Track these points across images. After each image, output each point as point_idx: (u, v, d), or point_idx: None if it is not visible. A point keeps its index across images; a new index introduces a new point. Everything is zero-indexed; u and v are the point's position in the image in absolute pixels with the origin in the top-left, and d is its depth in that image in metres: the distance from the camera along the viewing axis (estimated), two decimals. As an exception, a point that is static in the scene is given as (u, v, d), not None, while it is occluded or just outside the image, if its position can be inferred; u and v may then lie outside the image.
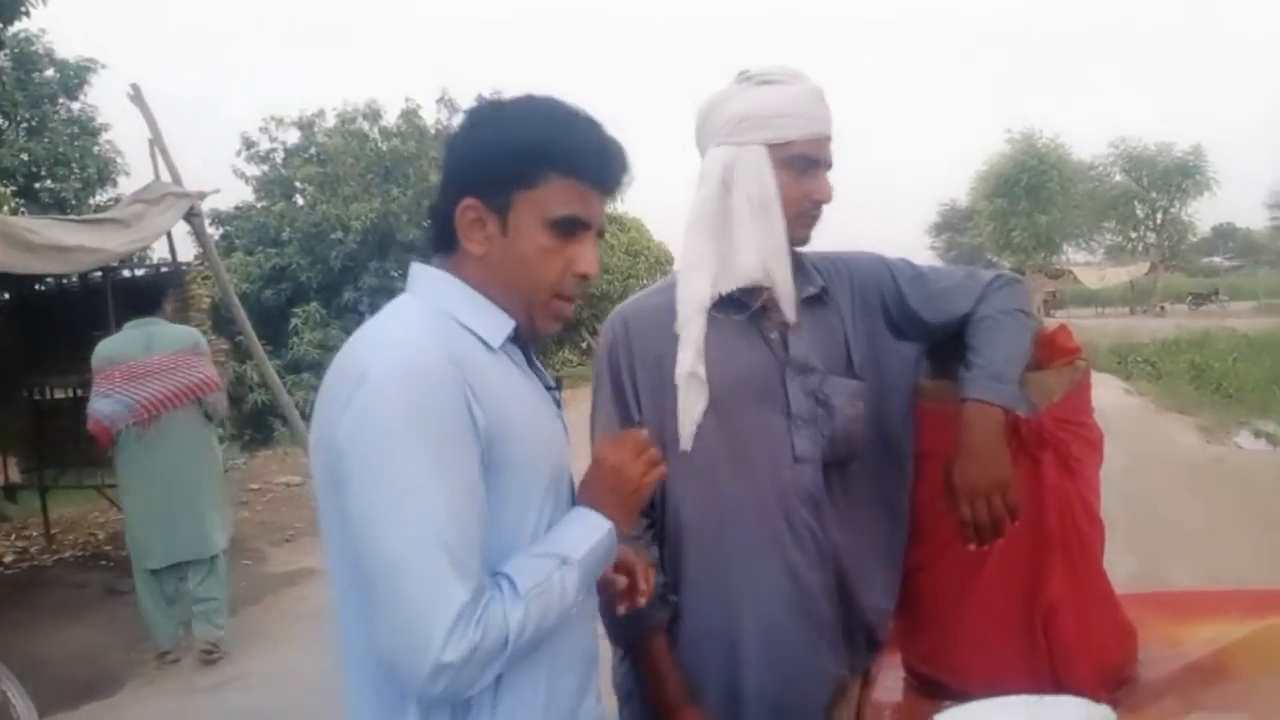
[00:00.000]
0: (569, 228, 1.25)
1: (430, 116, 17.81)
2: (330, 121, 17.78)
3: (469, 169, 1.26)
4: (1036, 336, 1.77)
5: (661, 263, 23.11)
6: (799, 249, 1.73)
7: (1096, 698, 1.64)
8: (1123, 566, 5.40)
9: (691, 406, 1.63)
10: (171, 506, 4.88)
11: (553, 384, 1.37)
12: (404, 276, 1.36)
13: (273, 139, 17.76)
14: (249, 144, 17.60)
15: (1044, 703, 1.49)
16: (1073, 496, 1.66)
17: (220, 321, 8.35)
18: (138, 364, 4.81)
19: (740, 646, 1.67)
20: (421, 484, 1.10)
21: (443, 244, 1.29)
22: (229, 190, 17.67)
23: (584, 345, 22.01)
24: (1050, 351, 1.77)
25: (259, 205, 17.40)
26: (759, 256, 1.62)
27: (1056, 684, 1.65)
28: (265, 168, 17.67)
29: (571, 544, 1.24)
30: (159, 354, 4.86)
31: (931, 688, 1.76)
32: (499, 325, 1.26)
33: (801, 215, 1.68)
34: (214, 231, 16.48)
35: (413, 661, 1.09)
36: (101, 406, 4.79)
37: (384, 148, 17.31)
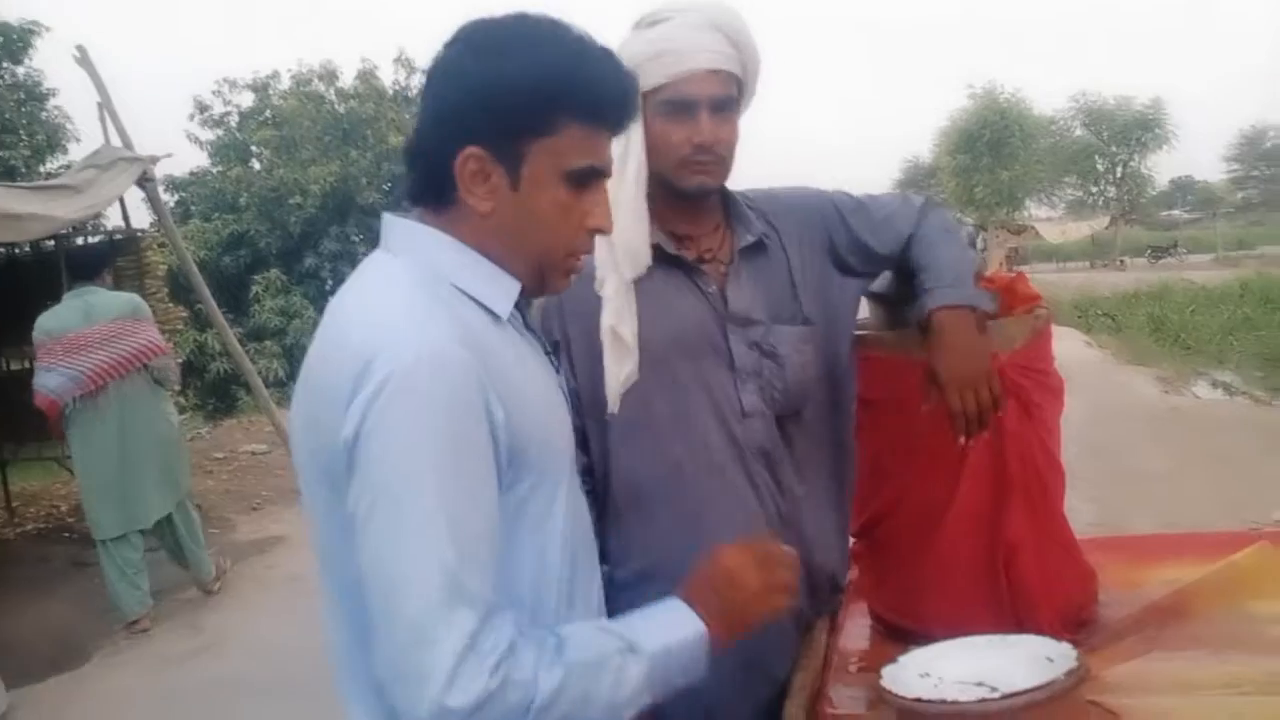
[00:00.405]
0: (586, 179, 1.11)
1: (388, 77, 17.54)
2: (285, 83, 17.49)
3: (472, 113, 1.06)
4: (996, 285, 1.79)
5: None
6: (747, 193, 1.69)
7: (1058, 638, 1.67)
8: (1084, 514, 5.50)
9: (616, 366, 1.54)
10: (122, 476, 4.87)
11: (550, 348, 1.26)
12: (366, 241, 1.27)
13: (227, 102, 17.47)
14: (202, 107, 17.27)
15: (1007, 641, 1.50)
16: (1034, 442, 1.67)
17: (178, 289, 8.21)
18: (78, 335, 4.75)
19: None
20: (436, 498, 0.97)
21: (430, 198, 1.11)
22: (184, 155, 17.39)
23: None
24: (1011, 299, 1.78)
25: (215, 170, 17.11)
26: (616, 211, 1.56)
27: (1019, 626, 1.67)
28: (220, 132, 17.36)
29: (648, 633, 1.08)
30: (99, 323, 4.80)
31: (897, 633, 1.77)
32: (505, 290, 1.12)
33: (684, 163, 1.58)
34: (169, 198, 16.20)
35: (411, 697, 0.95)
36: (46, 381, 4.74)
37: (341, 109, 17.04)
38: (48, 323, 4.85)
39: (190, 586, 5.56)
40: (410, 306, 1.04)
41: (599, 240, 1.52)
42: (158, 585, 5.32)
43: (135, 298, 5.20)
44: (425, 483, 0.97)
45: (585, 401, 1.64)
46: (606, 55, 1.11)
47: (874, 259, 1.75)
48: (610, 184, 1.29)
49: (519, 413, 1.06)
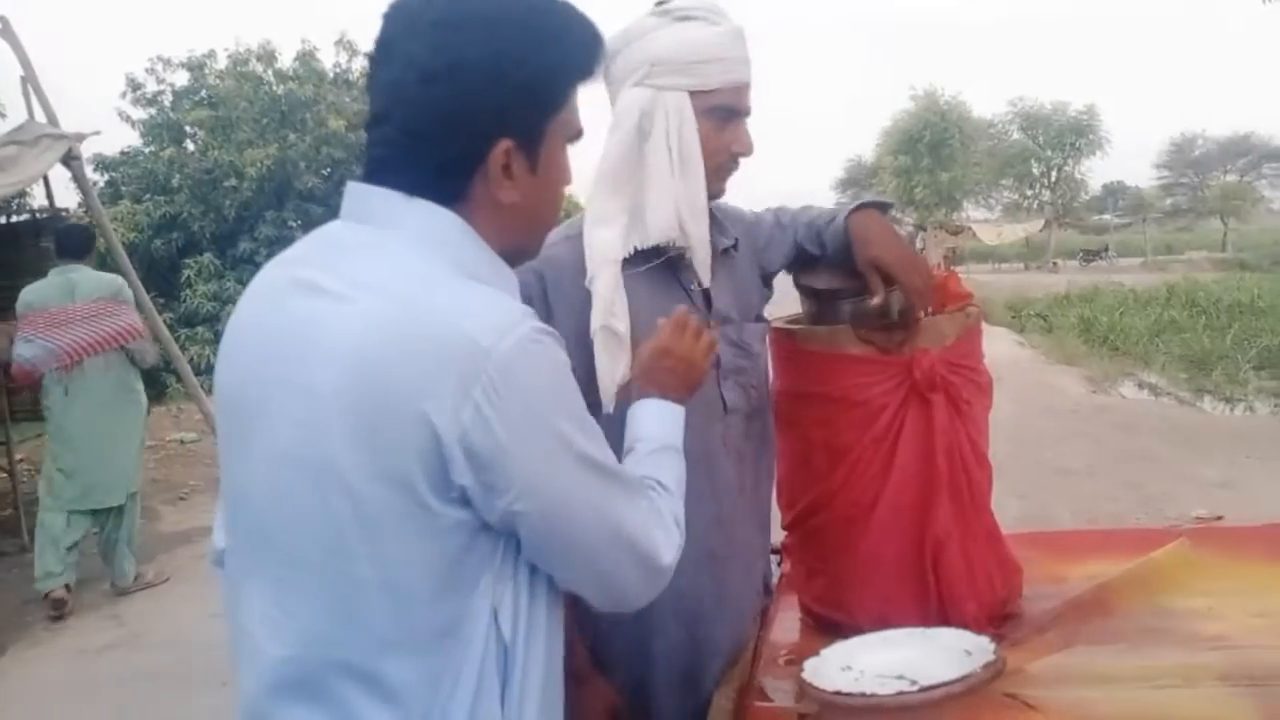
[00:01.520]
0: (578, 137, 1.13)
1: (329, 59, 17.21)
2: (221, 63, 17.03)
3: (508, 104, 1.02)
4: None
5: (568, 212, 22.88)
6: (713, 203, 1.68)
7: (982, 632, 1.70)
8: (1011, 509, 5.63)
9: (610, 364, 1.51)
10: (91, 453, 4.96)
11: None
12: (304, 226, 1.20)
13: (160, 80, 16.93)
14: (135, 86, 16.74)
15: (927, 634, 1.52)
16: (962, 437, 1.69)
17: (105, 271, 7.97)
18: (60, 310, 4.87)
19: (654, 610, 1.64)
20: (588, 441, 1.05)
21: (440, 191, 1.03)
22: (115, 135, 16.83)
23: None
24: (943, 298, 1.80)
25: (147, 150, 16.59)
26: (675, 213, 1.52)
27: (945, 619, 1.70)
28: (153, 111, 16.84)
29: (669, 433, 1.27)
30: (82, 301, 4.91)
31: (826, 626, 1.78)
32: (511, 281, 1.11)
33: (719, 168, 1.61)
34: (99, 177, 15.71)
35: (640, 579, 1.10)
36: (24, 351, 4.85)
37: (280, 91, 16.66)
38: (30, 295, 4.92)
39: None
40: (473, 287, 1.01)
41: (588, 234, 1.53)
42: (78, 575, 5.17)
43: (118, 279, 5.26)
44: (573, 424, 1.03)
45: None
46: (581, 12, 1.10)
47: (797, 253, 1.81)
48: (660, 175, 1.51)
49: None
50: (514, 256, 1.12)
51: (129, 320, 5.04)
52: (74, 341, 4.84)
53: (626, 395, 1.38)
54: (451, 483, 0.97)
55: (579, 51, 1.08)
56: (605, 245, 1.52)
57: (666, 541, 1.12)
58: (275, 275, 1.09)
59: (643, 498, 1.12)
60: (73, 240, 5.19)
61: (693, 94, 1.54)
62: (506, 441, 0.96)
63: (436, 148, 1.03)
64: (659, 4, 1.58)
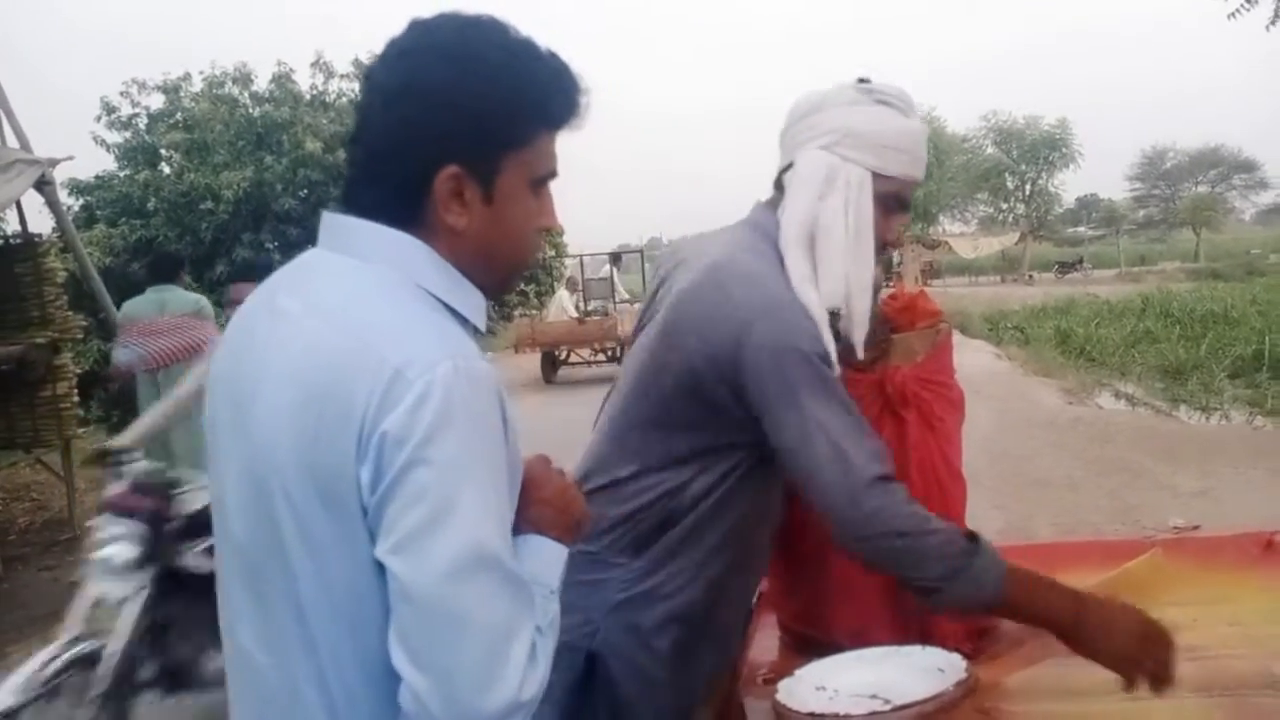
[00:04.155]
0: (546, 183, 1.13)
1: (305, 81, 17.21)
2: (197, 85, 17.03)
3: (455, 132, 1.04)
4: (899, 302, 1.83)
5: (550, 233, 22.90)
6: None
7: (959, 646, 1.70)
8: (990, 521, 5.65)
9: None
10: (164, 445, 5.59)
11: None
12: (281, 249, 1.20)
13: (135, 104, 16.92)
14: (109, 109, 16.70)
15: (900, 653, 1.53)
16: (935, 453, 1.71)
17: (81, 296, 7.91)
18: (150, 322, 5.79)
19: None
20: (482, 506, 0.97)
21: (394, 215, 1.06)
22: (89, 158, 16.77)
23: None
24: (913, 315, 1.82)
25: (121, 174, 16.54)
26: (845, 283, 1.53)
27: (922, 635, 1.70)
28: (127, 134, 16.80)
29: (547, 574, 1.13)
30: (169, 315, 5.82)
31: (805, 644, 1.79)
32: (479, 305, 1.11)
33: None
34: (73, 202, 15.63)
35: (496, 706, 0.95)
36: (121, 355, 5.83)
37: (255, 113, 16.65)
38: (129, 309, 5.93)
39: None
40: (418, 315, 1.02)
41: (801, 291, 1.50)
42: (53, 605, 5.09)
43: (201, 299, 6.11)
44: (478, 491, 0.97)
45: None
46: (560, 60, 1.11)
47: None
48: (834, 241, 1.50)
49: (511, 429, 1.05)
50: (480, 285, 1.12)
51: (207, 334, 5.75)
52: (161, 349, 5.70)
53: None
54: (368, 511, 0.97)
55: (547, 99, 1.09)
56: (817, 308, 1.52)
57: (531, 674, 0.98)
58: (256, 299, 1.13)
59: (529, 610, 1.00)
60: (164, 264, 6.19)
61: (875, 175, 1.56)
62: (396, 473, 0.94)
63: (390, 169, 1.06)
64: (862, 81, 1.61)
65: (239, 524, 1.05)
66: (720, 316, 1.49)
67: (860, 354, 1.59)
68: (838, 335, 1.55)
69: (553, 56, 1.10)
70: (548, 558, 1.16)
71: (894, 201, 1.59)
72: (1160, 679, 1.42)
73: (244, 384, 1.05)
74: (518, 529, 1.19)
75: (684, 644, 1.58)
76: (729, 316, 1.48)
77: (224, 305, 6.82)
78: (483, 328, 1.11)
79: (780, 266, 1.54)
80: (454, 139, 1.04)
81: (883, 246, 1.61)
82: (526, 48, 1.08)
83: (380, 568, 0.97)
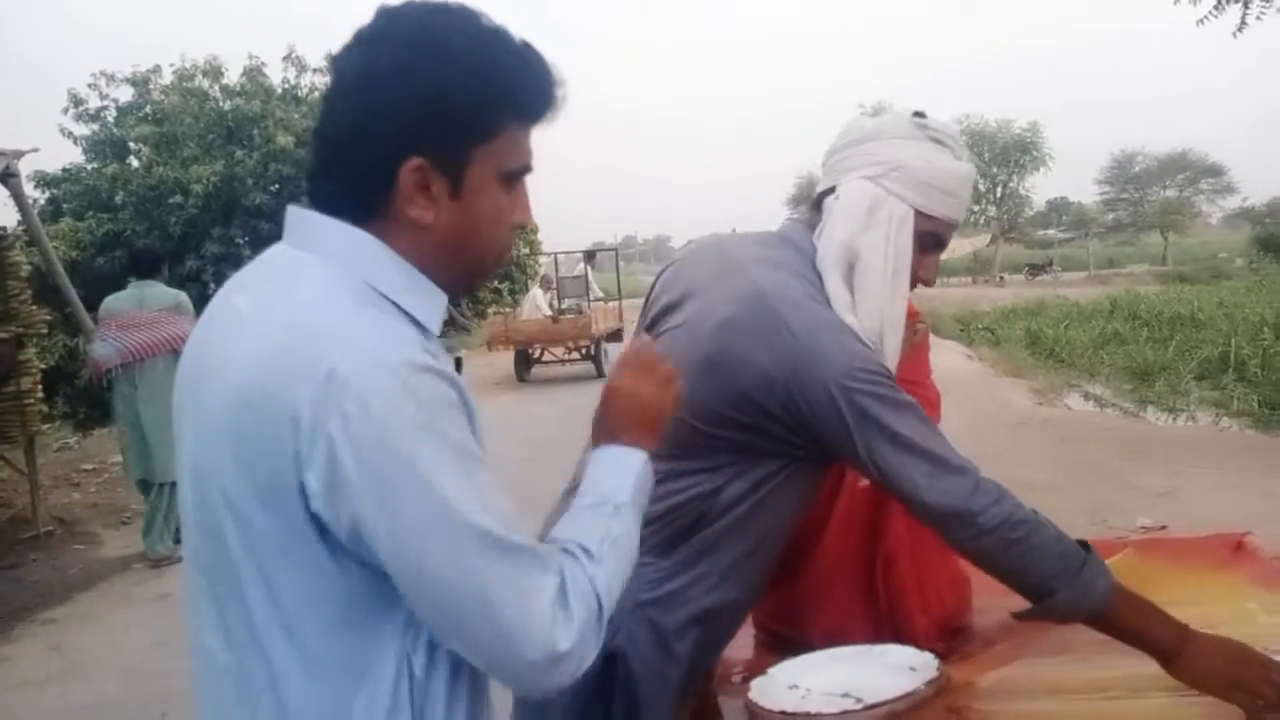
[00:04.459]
0: (518, 178, 1.09)
1: (276, 75, 17.04)
2: (167, 78, 16.79)
3: (418, 123, 1.00)
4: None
5: (525, 231, 22.80)
6: None
7: (933, 646, 1.71)
8: (963, 522, 5.68)
9: None
10: (154, 436, 5.83)
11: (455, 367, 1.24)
12: (251, 244, 1.16)
13: (104, 96, 16.64)
14: (77, 101, 16.43)
15: (872, 652, 1.54)
16: (911, 453, 1.70)
17: (46, 291, 7.78)
18: (129, 317, 5.93)
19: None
20: (452, 479, 0.94)
21: (355, 210, 1.03)
22: (56, 151, 16.51)
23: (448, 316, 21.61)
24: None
25: (89, 167, 16.29)
26: (880, 319, 1.52)
27: (896, 635, 1.71)
28: (96, 127, 16.54)
29: (614, 488, 1.13)
30: (148, 310, 5.95)
31: (779, 642, 1.79)
32: (435, 304, 1.07)
33: None
34: (39, 195, 15.39)
35: (530, 666, 0.97)
36: (98, 349, 5.93)
37: (226, 107, 16.46)
38: (109, 304, 6.04)
39: (52, 607, 5.31)
40: (363, 317, 0.98)
41: (845, 318, 1.50)
42: (16, 604, 5.03)
43: (179, 294, 6.18)
44: (446, 475, 0.93)
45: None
46: (534, 50, 1.07)
47: None
48: (873, 275, 1.49)
49: (478, 427, 1.02)
50: (445, 283, 1.09)
51: (184, 329, 5.80)
52: (137, 343, 5.83)
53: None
54: (316, 515, 0.94)
55: (517, 91, 1.05)
56: (859, 334, 1.51)
57: (566, 624, 0.98)
58: (220, 296, 1.10)
59: (540, 572, 0.99)
60: (144, 260, 6.34)
61: (917, 213, 1.55)
62: (357, 481, 0.92)
63: (350, 160, 1.03)
64: (917, 114, 1.60)
65: (192, 522, 1.04)
66: (779, 346, 1.45)
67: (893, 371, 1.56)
68: None
69: (525, 47, 1.06)
70: (618, 468, 1.15)
71: (931, 240, 1.58)
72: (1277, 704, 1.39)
73: (197, 382, 1.04)
74: (596, 438, 1.21)
75: (701, 647, 1.56)
76: (789, 346, 1.44)
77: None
78: (436, 330, 1.07)
79: (820, 287, 1.53)
80: (416, 129, 1.01)
81: (915, 284, 1.60)
82: (495, 35, 1.04)
83: (327, 570, 0.96)
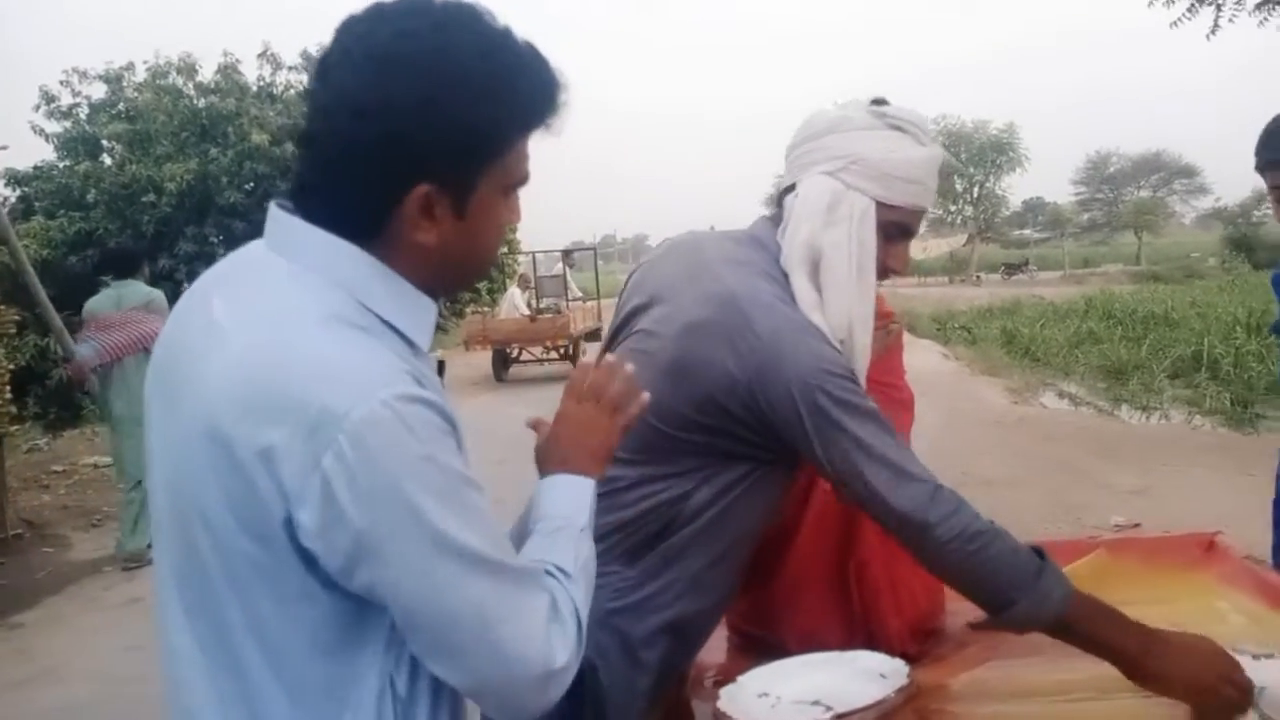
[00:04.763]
0: (520, 186, 1.07)
1: (251, 72, 16.92)
2: (140, 75, 16.66)
3: (430, 151, 0.97)
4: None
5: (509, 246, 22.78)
6: None
7: (906, 648, 1.70)
8: (939, 521, 5.70)
9: None
10: (130, 434, 5.85)
11: (438, 370, 1.15)
12: (225, 243, 1.12)
13: (76, 93, 16.51)
14: (49, 98, 16.28)
15: (843, 658, 1.53)
16: (884, 455, 1.69)
17: (16, 290, 7.68)
18: (105, 317, 5.98)
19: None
20: (455, 517, 0.93)
21: (353, 230, 0.99)
22: (27, 148, 16.34)
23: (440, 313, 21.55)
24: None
25: (61, 165, 16.13)
26: (849, 316, 1.49)
27: (869, 637, 1.70)
28: (68, 124, 16.39)
29: (574, 512, 1.15)
30: (124, 309, 5.99)
31: (753, 645, 1.78)
32: (425, 320, 1.04)
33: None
34: (10, 193, 15.28)
35: (527, 685, 0.98)
36: (80, 350, 5.95)
37: (200, 104, 16.33)
38: (90, 305, 6.09)
39: (21, 611, 5.25)
40: (353, 342, 0.95)
41: (811, 317, 1.47)
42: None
43: (154, 292, 6.19)
44: (437, 501, 0.93)
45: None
46: (540, 57, 1.03)
47: None
48: (838, 273, 1.47)
49: (464, 450, 1.00)
50: (438, 291, 1.07)
51: (155, 327, 5.72)
52: (113, 343, 5.88)
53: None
54: (306, 548, 0.92)
55: (526, 104, 1.02)
56: (828, 333, 1.48)
57: (562, 640, 1.00)
58: (195, 294, 1.06)
59: (535, 591, 1.00)
60: (123, 260, 6.41)
61: (879, 204, 1.51)
62: (355, 517, 0.90)
63: (353, 183, 0.98)
64: (876, 103, 1.56)
65: (167, 532, 1.01)
66: (743, 348, 1.43)
67: (862, 386, 1.54)
68: None
69: (532, 53, 1.02)
70: (573, 494, 1.17)
71: (897, 230, 1.54)
72: (1239, 707, 1.40)
73: (171, 389, 1.00)
74: (545, 467, 1.21)
75: (671, 655, 1.54)
76: (753, 348, 1.42)
77: None
78: (426, 346, 1.05)
79: (787, 287, 1.51)
80: (429, 160, 0.97)
81: (885, 274, 1.57)
82: (506, 49, 1.00)
83: (312, 596, 0.94)
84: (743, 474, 1.50)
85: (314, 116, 1.01)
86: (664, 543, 1.52)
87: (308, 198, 1.01)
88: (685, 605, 1.53)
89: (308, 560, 0.93)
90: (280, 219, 1.02)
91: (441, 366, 1.11)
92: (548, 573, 1.05)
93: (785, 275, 1.52)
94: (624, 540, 1.49)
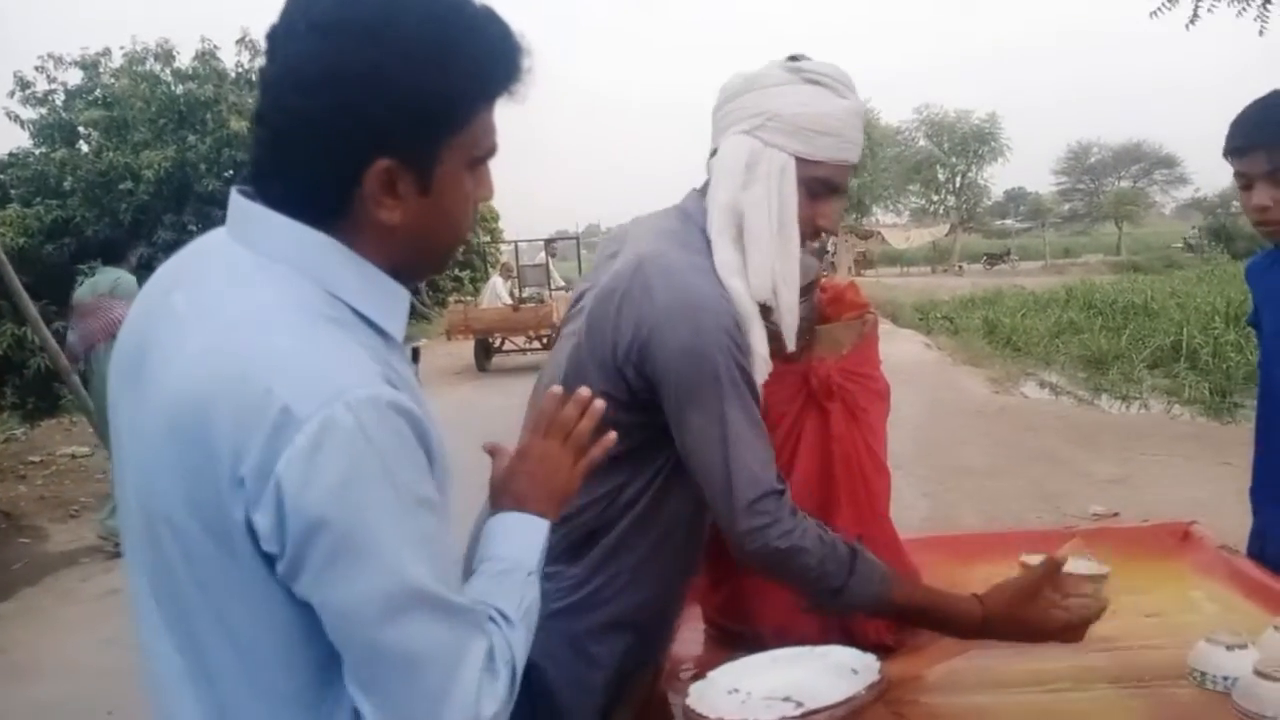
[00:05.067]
0: (487, 159, 1.02)
1: (230, 59, 16.75)
2: (117, 61, 16.48)
3: (386, 125, 0.92)
4: (829, 293, 1.82)
5: (486, 219, 22.71)
6: None
7: (883, 639, 1.70)
8: (918, 509, 5.73)
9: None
10: (104, 422, 6.07)
11: (412, 357, 1.15)
12: (203, 231, 1.04)
13: (51, 79, 16.32)
14: (24, 84, 16.08)
15: (815, 653, 1.52)
16: (859, 445, 1.69)
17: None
18: (82, 304, 6.00)
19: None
20: (405, 544, 0.89)
21: (314, 211, 0.95)
22: (2, 135, 16.18)
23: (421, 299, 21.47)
24: (839, 307, 1.80)
25: (37, 152, 15.96)
26: (771, 275, 1.47)
27: (844, 628, 1.69)
28: (43, 111, 16.20)
29: (524, 555, 1.11)
30: (96, 295, 5.96)
31: (729, 637, 1.77)
32: (398, 308, 1.01)
33: (803, 236, 1.54)
34: (-17, 180, 15.02)
35: None
36: (69, 339, 6.15)
37: (178, 91, 16.17)
38: (76, 292, 6.14)
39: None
40: (319, 337, 0.90)
41: (727, 281, 1.45)
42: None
43: (120, 275, 6.03)
44: (396, 527, 0.88)
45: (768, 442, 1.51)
46: (498, 21, 0.98)
47: None
48: (759, 232, 1.45)
49: (435, 448, 0.96)
50: (409, 274, 1.03)
51: (120, 313, 5.74)
52: (87, 330, 5.93)
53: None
54: (267, 554, 0.88)
55: (484, 70, 0.97)
56: (745, 299, 1.46)
57: (492, 692, 0.95)
58: (155, 286, 1.03)
59: (474, 635, 0.96)
60: (106, 248, 6.42)
61: (799, 160, 1.49)
62: (298, 528, 0.85)
63: (308, 160, 0.94)
64: (792, 59, 1.53)
65: (136, 533, 0.97)
66: (639, 316, 1.43)
67: (792, 345, 1.54)
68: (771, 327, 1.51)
69: (488, 17, 0.97)
70: (525, 536, 1.13)
71: (822, 186, 1.51)
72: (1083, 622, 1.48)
73: (136, 382, 0.96)
74: (499, 502, 1.17)
75: (623, 650, 1.53)
76: (646, 316, 1.42)
77: None
78: (400, 335, 1.02)
79: (709, 255, 1.49)
80: (384, 132, 0.93)
81: (816, 233, 1.55)
82: (458, 12, 0.95)
83: (280, 606, 0.90)
84: (668, 458, 1.50)
85: (264, 94, 0.97)
86: (604, 537, 1.52)
87: (265, 180, 0.98)
88: (631, 597, 1.53)
89: (271, 566, 0.89)
90: (241, 206, 0.98)
91: (416, 354, 1.08)
92: (489, 617, 1.01)
93: (709, 242, 1.50)
94: (564, 539, 1.48)
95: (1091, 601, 1.48)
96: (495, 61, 0.98)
